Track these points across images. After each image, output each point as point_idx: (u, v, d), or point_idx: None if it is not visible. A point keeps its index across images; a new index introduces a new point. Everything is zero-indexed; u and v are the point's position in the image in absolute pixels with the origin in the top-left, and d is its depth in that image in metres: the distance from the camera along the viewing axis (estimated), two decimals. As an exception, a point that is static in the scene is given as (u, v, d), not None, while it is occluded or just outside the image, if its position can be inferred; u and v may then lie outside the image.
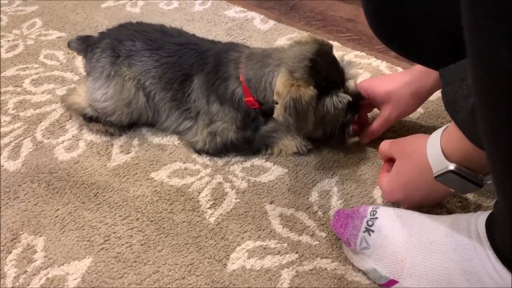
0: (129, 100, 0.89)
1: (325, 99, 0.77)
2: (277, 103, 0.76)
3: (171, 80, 0.87)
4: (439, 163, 0.59)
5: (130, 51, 0.89)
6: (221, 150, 0.86)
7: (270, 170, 0.83)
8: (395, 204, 0.74)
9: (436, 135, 0.60)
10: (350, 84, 0.81)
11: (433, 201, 0.72)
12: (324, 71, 0.76)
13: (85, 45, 0.94)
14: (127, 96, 0.89)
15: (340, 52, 1.13)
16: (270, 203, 0.77)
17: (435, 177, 0.60)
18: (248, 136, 0.85)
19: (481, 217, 0.57)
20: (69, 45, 0.98)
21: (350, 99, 0.77)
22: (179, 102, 0.88)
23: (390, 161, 0.72)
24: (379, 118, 0.84)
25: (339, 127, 0.81)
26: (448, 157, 0.58)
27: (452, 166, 0.57)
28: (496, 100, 0.40)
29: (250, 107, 0.83)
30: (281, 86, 0.75)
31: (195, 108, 0.87)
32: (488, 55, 0.38)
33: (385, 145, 0.73)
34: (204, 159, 0.87)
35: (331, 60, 0.79)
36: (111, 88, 0.89)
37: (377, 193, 0.78)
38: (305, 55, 0.76)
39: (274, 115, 0.76)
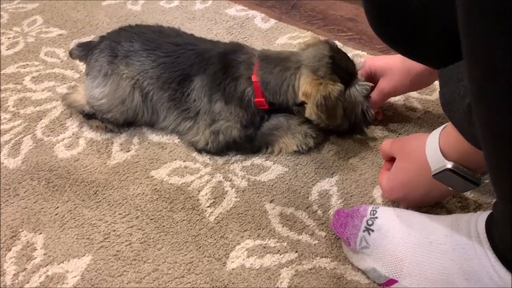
0: (123, 99, 0.89)
1: (350, 90, 0.81)
2: (299, 104, 0.82)
3: (169, 80, 0.87)
4: (437, 161, 0.59)
5: (128, 51, 0.90)
6: (223, 149, 0.86)
7: (270, 169, 0.83)
8: (395, 204, 0.74)
9: (435, 133, 0.61)
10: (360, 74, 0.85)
11: (433, 201, 0.72)
12: (343, 65, 0.80)
13: (85, 51, 0.96)
14: (122, 94, 0.89)
15: (341, 51, 1.13)
16: (270, 202, 0.77)
17: (433, 175, 0.60)
18: (250, 134, 0.86)
19: (481, 217, 0.58)
20: (71, 54, 0.99)
21: (372, 84, 0.83)
22: (178, 102, 0.88)
23: (391, 160, 0.72)
24: (375, 90, 0.86)
25: (361, 115, 0.85)
26: (446, 156, 0.58)
27: (449, 165, 0.58)
28: (492, 101, 0.40)
29: (259, 107, 0.84)
30: (308, 87, 0.77)
31: (195, 108, 0.87)
32: (484, 56, 0.38)
33: (386, 144, 0.73)
34: (204, 158, 0.87)
35: (343, 54, 0.84)
36: (108, 87, 0.89)
37: (377, 193, 0.78)
38: (323, 53, 0.80)
39: (306, 115, 0.79)
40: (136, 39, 0.91)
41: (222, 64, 0.85)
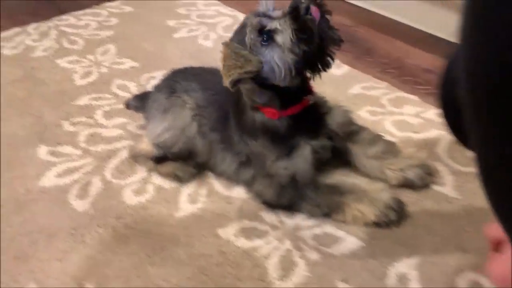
0: (182, 128, 0.89)
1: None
2: None
3: (217, 120, 0.88)
4: None
5: (186, 88, 0.91)
6: (282, 195, 0.82)
7: (343, 241, 0.78)
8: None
9: None
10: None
11: None
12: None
13: (142, 101, 0.99)
14: (182, 123, 0.89)
15: (419, 108, 1.07)
16: (342, 281, 0.72)
17: None
18: (292, 168, 0.80)
19: None
20: (127, 105, 1.04)
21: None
22: (227, 144, 0.87)
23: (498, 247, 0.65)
24: None
25: (326, 39, 0.72)
26: None
27: None
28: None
29: (273, 118, 0.80)
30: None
31: (242, 151, 0.85)
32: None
33: (492, 227, 0.66)
34: (272, 218, 0.83)
35: None
36: (168, 120, 0.90)
37: (461, 282, 0.71)
38: None
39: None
40: (192, 79, 0.93)
41: (235, 97, 0.83)
